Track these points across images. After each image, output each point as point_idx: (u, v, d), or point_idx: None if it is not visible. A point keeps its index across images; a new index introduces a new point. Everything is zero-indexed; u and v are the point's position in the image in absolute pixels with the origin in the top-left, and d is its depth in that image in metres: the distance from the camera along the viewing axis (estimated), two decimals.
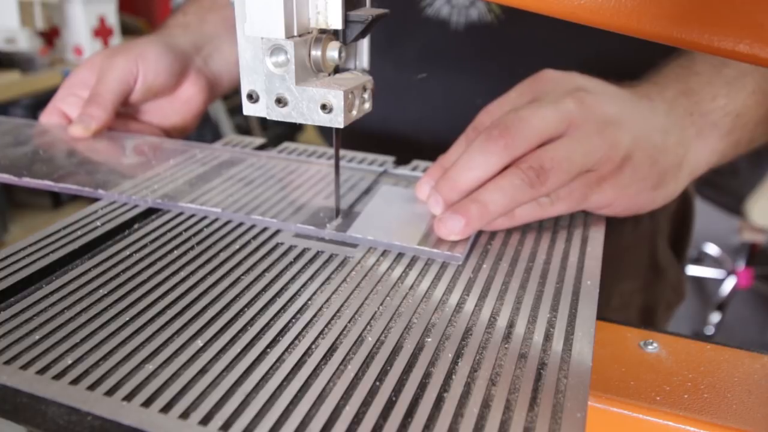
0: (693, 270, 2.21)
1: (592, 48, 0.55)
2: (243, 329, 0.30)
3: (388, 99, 0.66)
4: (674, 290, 0.75)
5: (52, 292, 0.33)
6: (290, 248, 0.39)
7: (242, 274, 0.35)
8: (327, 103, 0.33)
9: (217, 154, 0.53)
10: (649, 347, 0.35)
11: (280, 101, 0.34)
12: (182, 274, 0.35)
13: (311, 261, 0.37)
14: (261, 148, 0.57)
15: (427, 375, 0.27)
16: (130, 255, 0.37)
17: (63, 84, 0.59)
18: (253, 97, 0.35)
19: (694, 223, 0.77)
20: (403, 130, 0.67)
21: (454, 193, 0.39)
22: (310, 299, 0.33)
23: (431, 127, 0.65)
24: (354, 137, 0.61)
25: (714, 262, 2.23)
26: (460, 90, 0.63)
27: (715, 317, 1.96)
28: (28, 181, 0.46)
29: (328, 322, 0.31)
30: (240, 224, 0.42)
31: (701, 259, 2.27)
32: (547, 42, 0.59)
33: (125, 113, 0.61)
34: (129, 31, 1.77)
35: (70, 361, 0.28)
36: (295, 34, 0.33)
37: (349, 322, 0.31)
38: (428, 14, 0.61)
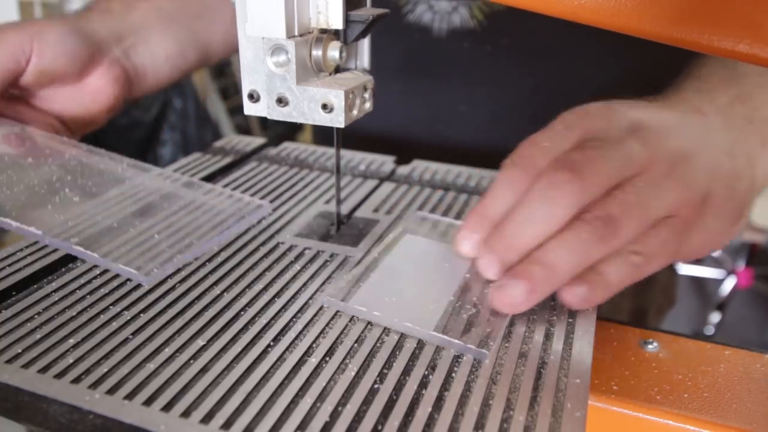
0: (693, 270, 2.21)
1: (576, 54, 0.54)
2: (244, 328, 0.31)
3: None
4: (665, 294, 0.72)
5: (53, 292, 0.33)
6: (290, 248, 0.39)
7: (243, 274, 0.36)
8: (328, 102, 0.33)
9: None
10: (649, 347, 0.35)
11: (281, 101, 0.34)
12: (182, 273, 0.35)
13: (311, 261, 0.37)
14: (261, 148, 0.57)
15: (427, 374, 0.27)
16: None
17: None
18: (254, 97, 0.35)
19: None
20: (385, 136, 0.66)
21: (512, 252, 0.33)
22: (310, 299, 0.33)
23: (413, 133, 0.64)
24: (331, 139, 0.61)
25: (714, 262, 2.23)
26: (442, 96, 0.63)
27: (715, 317, 1.96)
28: None
29: (329, 322, 0.31)
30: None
31: (701, 259, 2.27)
32: (531, 48, 0.59)
33: (18, 97, 0.54)
34: None
35: (71, 360, 0.28)
36: (296, 33, 0.33)
37: (349, 321, 0.31)
38: (410, 20, 0.61)
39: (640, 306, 0.70)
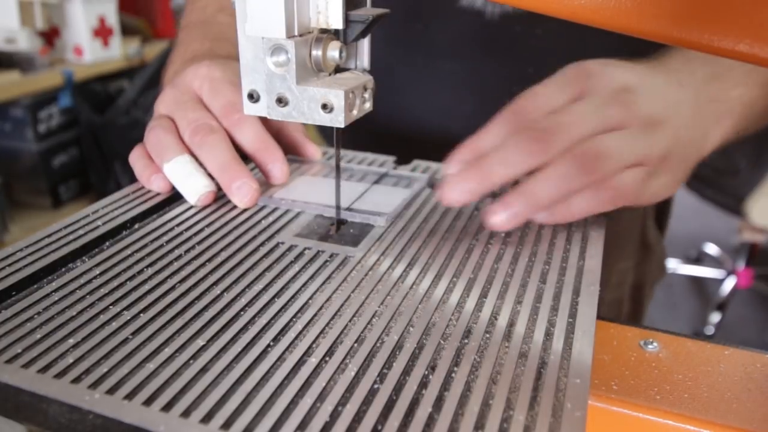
0: (693, 270, 2.21)
1: (630, 37, 0.54)
2: (244, 328, 0.30)
3: (419, 88, 0.66)
4: (659, 266, 0.78)
5: (52, 291, 0.33)
6: (290, 248, 0.39)
7: (242, 274, 0.36)
8: (328, 102, 0.33)
9: None
10: (649, 347, 0.35)
11: (281, 101, 0.34)
12: (182, 273, 0.35)
13: (311, 261, 0.37)
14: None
15: (427, 374, 0.27)
16: (131, 254, 0.37)
17: None
18: (253, 97, 0.35)
19: (674, 198, 0.79)
20: (432, 120, 0.67)
21: (483, 184, 0.40)
22: (310, 298, 0.33)
23: (462, 116, 0.65)
24: (380, 128, 0.61)
25: (714, 262, 2.23)
26: (493, 78, 0.63)
27: (715, 317, 1.96)
28: None
29: (329, 322, 0.31)
30: (239, 224, 0.42)
31: (701, 259, 2.27)
32: (581, 32, 0.59)
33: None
34: (129, 31, 1.78)
35: (71, 360, 0.28)
36: (296, 33, 0.33)
37: (349, 321, 0.31)
38: (463, 4, 0.61)
39: (640, 280, 0.74)
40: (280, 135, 0.53)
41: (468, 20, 0.62)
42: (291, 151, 0.53)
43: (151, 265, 0.36)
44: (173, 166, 0.44)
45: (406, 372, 0.28)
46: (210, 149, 0.45)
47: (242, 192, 0.44)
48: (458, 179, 0.40)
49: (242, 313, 0.32)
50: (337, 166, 0.41)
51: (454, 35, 0.63)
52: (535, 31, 0.61)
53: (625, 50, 0.49)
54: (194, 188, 0.44)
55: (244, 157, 0.47)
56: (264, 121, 0.48)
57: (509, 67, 0.63)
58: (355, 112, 0.35)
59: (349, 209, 0.43)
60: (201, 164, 0.45)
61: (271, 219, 0.43)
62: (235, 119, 0.47)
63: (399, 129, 0.68)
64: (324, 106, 0.34)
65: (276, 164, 0.47)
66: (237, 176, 0.44)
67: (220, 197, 0.45)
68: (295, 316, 0.32)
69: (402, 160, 0.54)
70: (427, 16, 0.63)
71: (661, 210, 0.78)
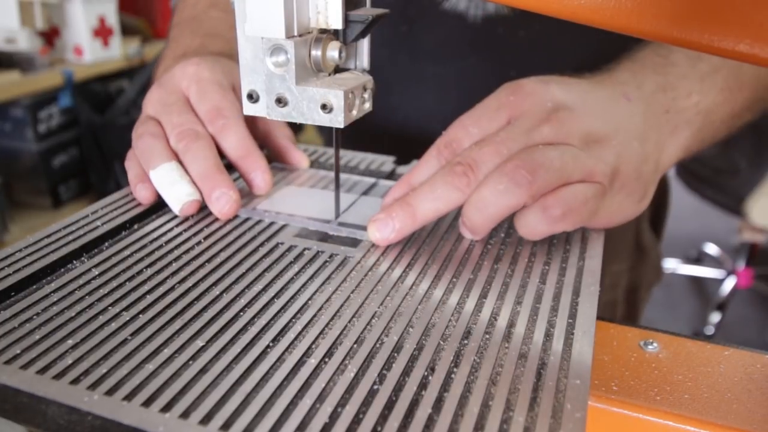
0: (693, 270, 2.21)
1: (609, 37, 0.54)
2: (243, 329, 0.30)
3: (403, 90, 0.66)
4: (655, 270, 0.77)
5: (52, 292, 0.33)
6: (290, 248, 0.39)
7: (242, 274, 0.35)
8: (327, 102, 0.33)
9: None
10: (649, 347, 0.35)
11: (281, 101, 0.34)
12: (182, 273, 0.35)
13: (311, 261, 0.37)
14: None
15: (427, 375, 0.27)
16: (130, 255, 0.37)
17: None
18: (253, 97, 0.35)
19: (670, 201, 0.79)
20: (416, 121, 0.67)
21: (409, 222, 0.39)
22: (310, 299, 0.33)
23: (446, 117, 0.65)
24: (366, 130, 0.61)
25: (714, 262, 2.23)
26: (476, 80, 0.63)
27: (715, 317, 1.96)
28: None
29: (328, 322, 0.31)
30: (239, 225, 0.42)
31: (701, 259, 2.27)
32: (563, 33, 0.58)
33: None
34: (129, 31, 1.77)
35: (70, 361, 0.28)
36: (296, 33, 0.33)
37: (349, 322, 0.31)
38: (445, 8, 0.61)
39: (634, 283, 0.74)
40: (266, 141, 0.52)
41: (451, 22, 0.61)
42: (278, 158, 0.53)
43: (150, 265, 0.36)
44: (159, 173, 0.42)
45: (406, 373, 0.28)
46: (193, 157, 0.43)
47: (221, 203, 0.42)
48: (385, 218, 0.39)
49: (242, 313, 0.32)
50: (337, 166, 0.41)
51: (438, 37, 0.63)
52: (517, 33, 0.60)
53: (603, 52, 0.49)
54: (177, 197, 0.42)
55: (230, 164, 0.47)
56: (250, 126, 0.47)
57: (493, 68, 0.62)
58: (354, 112, 0.35)
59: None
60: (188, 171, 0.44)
61: (270, 219, 0.43)
62: (220, 125, 0.45)
63: (385, 129, 0.67)
64: (323, 107, 0.34)
65: (257, 173, 0.45)
66: (217, 186, 0.42)
67: None
68: (294, 316, 0.32)
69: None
70: (411, 18, 0.62)
71: (657, 213, 0.77)
